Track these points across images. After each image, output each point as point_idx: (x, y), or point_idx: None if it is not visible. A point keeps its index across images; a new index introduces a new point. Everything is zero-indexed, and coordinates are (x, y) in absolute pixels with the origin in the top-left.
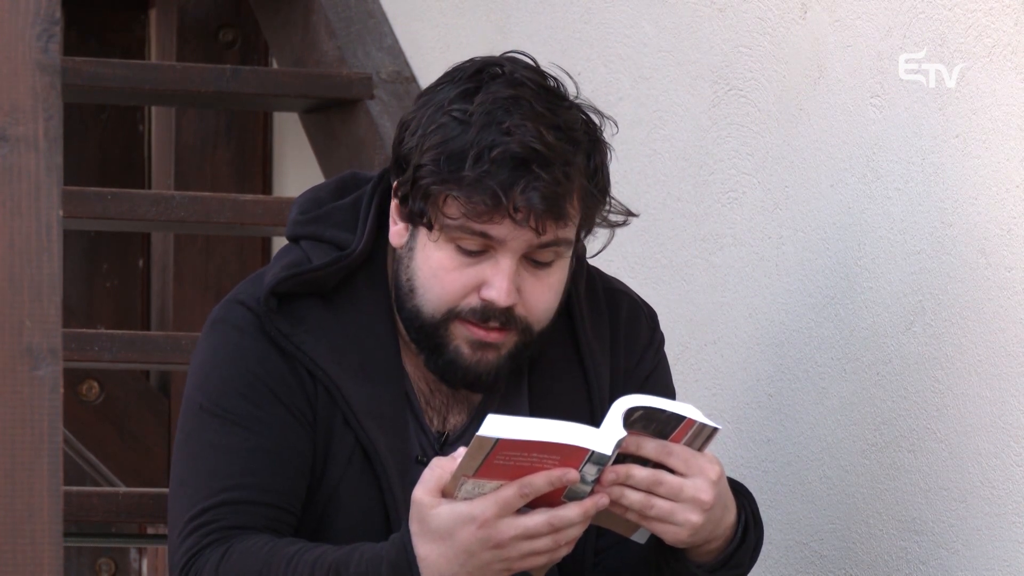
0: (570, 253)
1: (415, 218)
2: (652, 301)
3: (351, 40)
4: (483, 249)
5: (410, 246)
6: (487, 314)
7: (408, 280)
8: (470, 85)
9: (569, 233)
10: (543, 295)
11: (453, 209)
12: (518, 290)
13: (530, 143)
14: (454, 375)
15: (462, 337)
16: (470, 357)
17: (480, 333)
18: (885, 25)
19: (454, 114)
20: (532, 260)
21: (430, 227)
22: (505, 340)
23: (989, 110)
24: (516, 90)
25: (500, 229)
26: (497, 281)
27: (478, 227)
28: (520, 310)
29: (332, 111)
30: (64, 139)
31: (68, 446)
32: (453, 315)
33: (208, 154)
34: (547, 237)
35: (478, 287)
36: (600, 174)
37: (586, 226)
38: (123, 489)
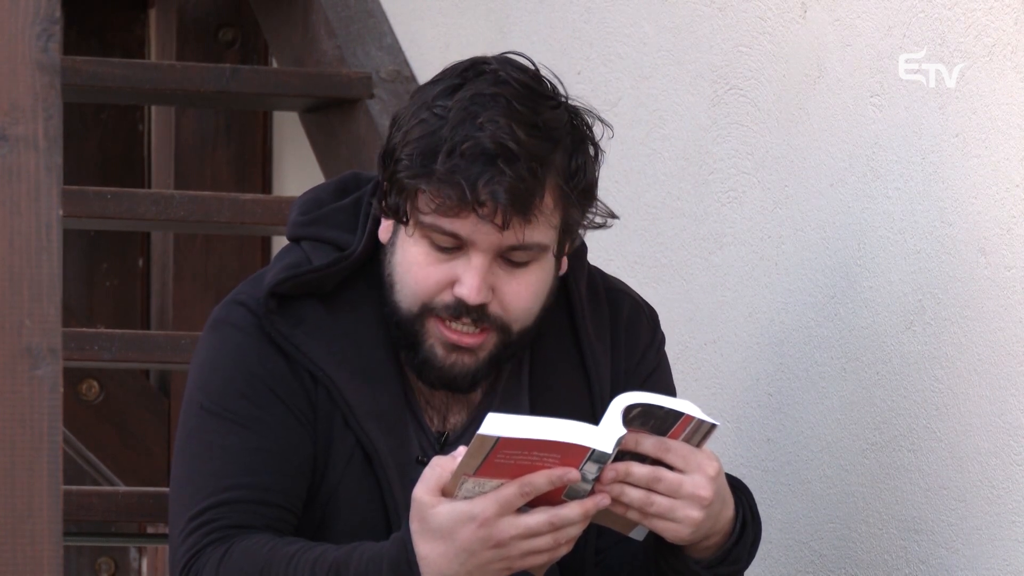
0: (549, 254)
1: (391, 213)
2: (652, 300)
3: (351, 39)
4: (457, 246)
5: (392, 242)
6: (459, 311)
7: (389, 275)
8: (455, 82)
9: (541, 234)
10: (519, 294)
11: (424, 203)
12: (493, 288)
13: (500, 138)
14: (429, 375)
15: (436, 337)
16: (444, 359)
17: (453, 336)
18: (885, 24)
19: (435, 110)
20: (507, 259)
21: (406, 222)
22: (483, 342)
23: (989, 109)
24: (498, 88)
25: (467, 225)
26: (468, 278)
27: (448, 227)
28: (495, 308)
29: (332, 110)
30: (64, 139)
31: (68, 445)
32: (427, 311)
33: (208, 154)
34: (515, 237)
35: (451, 283)
36: (581, 175)
37: (567, 227)
38: (123, 488)
